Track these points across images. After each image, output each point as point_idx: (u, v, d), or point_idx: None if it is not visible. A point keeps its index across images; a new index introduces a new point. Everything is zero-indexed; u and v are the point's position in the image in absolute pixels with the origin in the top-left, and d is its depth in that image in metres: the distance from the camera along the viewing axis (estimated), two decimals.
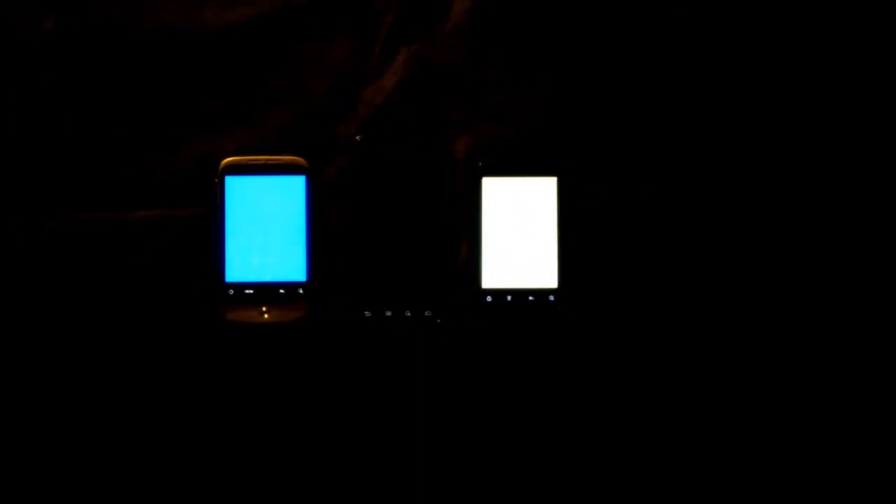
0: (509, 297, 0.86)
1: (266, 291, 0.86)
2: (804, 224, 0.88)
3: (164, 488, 0.86)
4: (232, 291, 0.86)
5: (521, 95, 0.88)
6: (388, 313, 0.86)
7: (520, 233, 0.86)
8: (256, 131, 0.88)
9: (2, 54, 0.87)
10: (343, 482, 0.87)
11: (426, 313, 0.86)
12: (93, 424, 0.86)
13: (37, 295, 0.87)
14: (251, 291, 0.86)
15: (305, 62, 0.88)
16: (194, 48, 0.88)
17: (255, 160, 0.86)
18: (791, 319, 0.88)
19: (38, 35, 0.87)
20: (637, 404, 0.87)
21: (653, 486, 0.87)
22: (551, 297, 0.86)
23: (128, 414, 0.86)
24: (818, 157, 0.88)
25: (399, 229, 0.86)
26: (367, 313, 0.86)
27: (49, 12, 0.87)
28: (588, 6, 0.88)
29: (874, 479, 0.87)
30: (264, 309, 0.86)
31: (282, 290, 0.86)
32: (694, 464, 0.87)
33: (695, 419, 0.87)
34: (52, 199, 0.87)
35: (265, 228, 0.86)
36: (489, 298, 0.86)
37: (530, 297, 0.86)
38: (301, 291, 0.86)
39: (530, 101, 0.88)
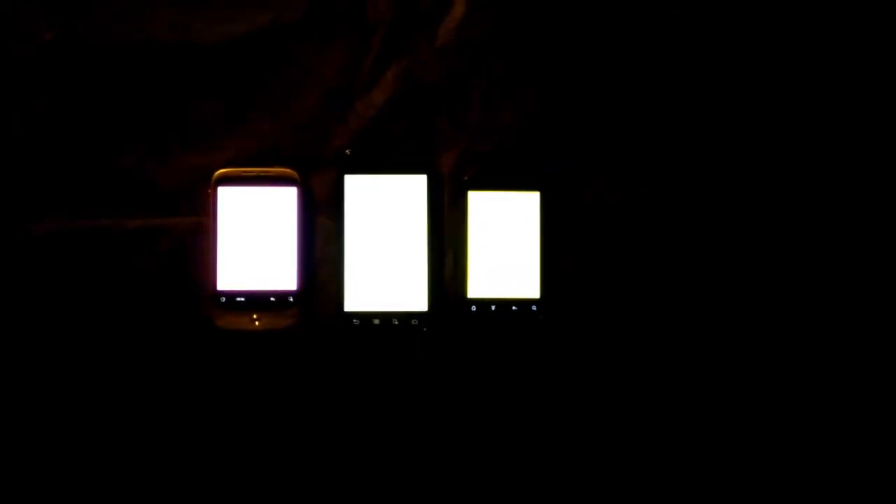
0: (493, 307, 0.89)
1: (257, 299, 0.88)
2: (795, 236, 0.91)
3: (159, 489, 0.88)
4: (224, 299, 0.88)
5: (506, 112, 0.91)
6: (376, 322, 0.88)
7: (504, 245, 0.89)
8: (249, 143, 0.91)
9: (7, 66, 0.89)
10: (331, 484, 0.89)
11: (413, 322, 0.88)
12: (87, 426, 0.88)
13: (35, 297, 0.89)
14: (242, 299, 0.88)
15: (297, 77, 0.90)
16: (190, 61, 0.90)
17: (248, 171, 0.89)
18: (777, 330, 0.91)
19: (42, 46, 0.89)
20: (615, 407, 0.90)
21: (633, 488, 0.90)
22: (533, 307, 0.89)
23: (121, 416, 0.88)
24: (807, 175, 0.91)
25: (387, 240, 0.89)
26: (356, 321, 0.88)
27: (51, 24, 0.89)
28: (574, 23, 0.91)
29: (872, 480, 0.90)
30: (255, 316, 0.88)
31: (272, 298, 0.88)
32: (673, 466, 0.90)
33: (674, 421, 0.90)
34: (52, 205, 0.89)
35: (257, 238, 0.88)
36: (474, 308, 0.89)
37: (513, 307, 0.89)
38: (291, 299, 0.88)
39: (516, 118, 0.91)
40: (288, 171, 0.89)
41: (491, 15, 0.90)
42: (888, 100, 0.91)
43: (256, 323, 0.88)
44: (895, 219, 0.91)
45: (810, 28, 0.91)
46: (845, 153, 0.91)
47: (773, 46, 0.91)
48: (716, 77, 0.91)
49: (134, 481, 0.88)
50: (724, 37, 0.91)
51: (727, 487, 0.90)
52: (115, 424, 0.88)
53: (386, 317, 0.88)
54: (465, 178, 0.89)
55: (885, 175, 0.91)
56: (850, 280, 0.91)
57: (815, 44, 0.91)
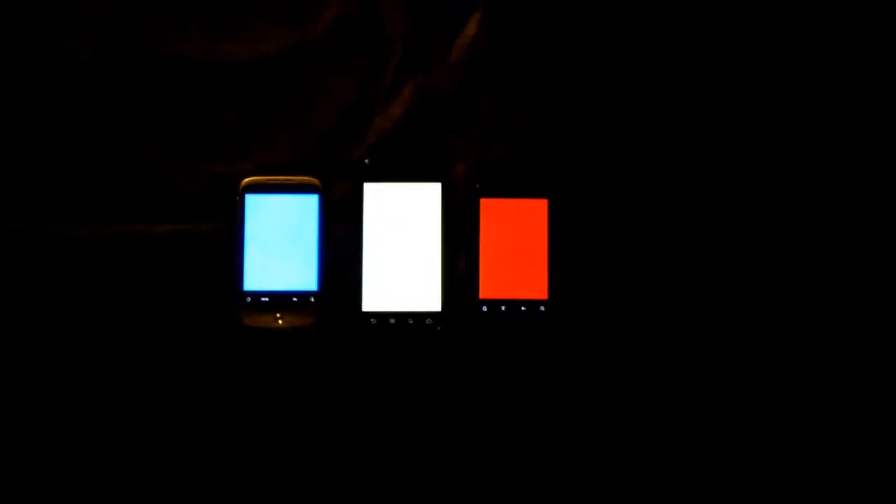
0: (503, 308, 0.93)
1: (280, 299, 0.93)
2: (798, 238, 0.95)
3: (183, 473, 0.93)
4: (249, 299, 0.93)
5: (515, 124, 0.97)
6: (392, 321, 0.93)
7: (513, 249, 0.94)
8: (275, 154, 0.96)
9: (48, 82, 0.95)
10: (347, 475, 0.93)
11: (427, 321, 0.93)
12: (119, 418, 0.93)
13: (73, 296, 0.94)
14: (267, 299, 0.93)
15: (319, 92, 0.96)
16: (219, 78, 0.96)
17: (273, 179, 0.94)
18: (781, 332, 0.94)
19: (81, 64, 0.95)
20: (618, 401, 0.94)
21: (639, 489, 0.93)
22: (542, 308, 0.93)
23: (150, 410, 0.93)
24: (810, 177, 0.96)
25: (403, 244, 0.94)
26: (373, 320, 0.93)
27: (87, 43, 0.96)
28: (579, 36, 0.96)
29: (873, 480, 0.92)
30: (278, 315, 0.93)
31: (295, 299, 0.93)
32: (678, 466, 0.93)
33: (677, 419, 0.94)
34: (87, 211, 0.95)
35: (281, 242, 0.94)
36: (485, 308, 0.93)
37: (522, 308, 0.93)
38: (312, 300, 0.93)
39: (524, 129, 0.97)
40: (311, 179, 0.94)
41: (501, 33, 0.96)
42: (888, 100, 0.95)
43: (280, 321, 0.93)
44: None
45: (810, 28, 0.96)
46: (846, 152, 0.95)
47: (774, 46, 0.96)
48: (716, 78, 0.96)
49: (174, 462, 0.92)
50: (724, 37, 0.96)
51: (732, 485, 0.93)
52: (146, 416, 0.93)
53: (401, 316, 0.93)
54: (477, 186, 0.95)
55: (888, 179, 0.95)
56: (851, 280, 0.95)
57: (816, 44, 0.96)
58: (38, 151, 0.96)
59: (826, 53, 0.96)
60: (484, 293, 0.94)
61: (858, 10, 0.96)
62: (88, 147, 0.96)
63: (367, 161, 0.96)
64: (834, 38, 0.96)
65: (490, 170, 0.96)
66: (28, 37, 0.95)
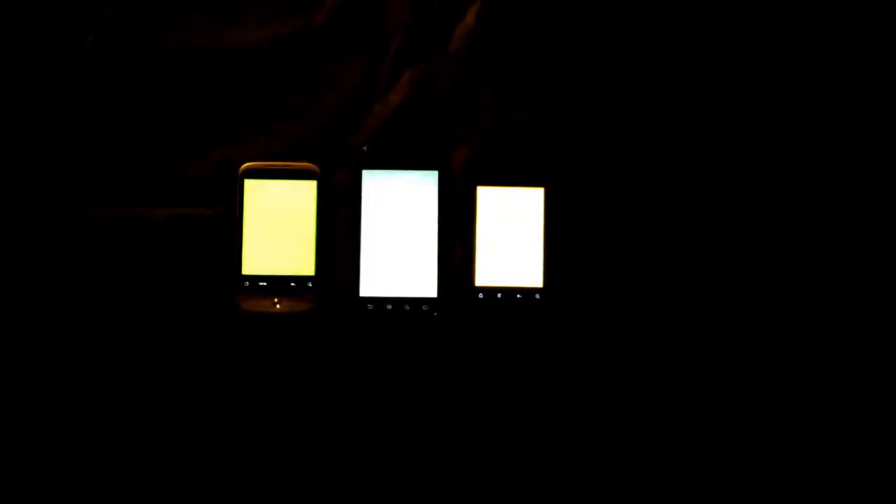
0: (499, 295, 0.94)
1: (278, 284, 0.94)
2: (794, 230, 0.96)
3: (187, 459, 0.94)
4: (247, 283, 0.94)
5: (513, 113, 0.97)
6: (389, 307, 0.94)
7: (510, 237, 0.95)
8: (273, 141, 0.97)
9: (51, 71, 0.96)
10: (342, 461, 0.94)
11: (424, 307, 0.94)
12: (120, 401, 0.94)
13: (76, 278, 0.95)
14: (265, 283, 0.94)
15: (319, 79, 0.97)
16: (221, 65, 0.97)
17: (272, 165, 0.95)
18: (777, 321, 0.95)
19: (85, 52, 0.96)
20: (611, 391, 0.95)
21: (637, 481, 0.94)
22: (537, 296, 0.94)
23: (147, 394, 0.94)
24: (806, 173, 0.97)
25: (400, 231, 0.95)
26: (370, 306, 0.94)
27: (91, 31, 0.97)
28: (578, 27, 0.97)
29: (872, 480, 0.93)
30: (276, 300, 0.94)
31: (292, 283, 0.94)
32: (673, 456, 0.94)
33: (670, 407, 0.95)
34: (91, 196, 0.96)
35: (279, 227, 0.95)
36: (481, 295, 0.94)
37: (518, 295, 0.94)
38: (310, 284, 0.94)
39: (522, 118, 0.97)
40: (309, 165, 0.95)
41: (500, 22, 0.97)
42: (888, 100, 0.96)
43: (277, 306, 0.94)
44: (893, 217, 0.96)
45: (805, 29, 0.96)
46: (842, 151, 0.96)
47: (772, 47, 0.96)
48: (716, 77, 0.97)
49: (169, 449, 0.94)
50: (724, 37, 0.96)
51: (729, 478, 0.94)
52: (144, 401, 0.94)
53: (398, 302, 0.94)
54: (475, 175, 0.95)
55: (885, 173, 0.96)
56: (848, 276, 0.96)
57: (811, 45, 0.97)
58: (43, 144, 0.97)
59: (821, 54, 0.97)
60: (480, 280, 0.95)
61: (855, 9, 0.96)
62: (98, 136, 0.97)
63: (365, 148, 0.96)
64: (829, 39, 0.97)
65: (487, 158, 0.97)
66: (34, 30, 0.96)
